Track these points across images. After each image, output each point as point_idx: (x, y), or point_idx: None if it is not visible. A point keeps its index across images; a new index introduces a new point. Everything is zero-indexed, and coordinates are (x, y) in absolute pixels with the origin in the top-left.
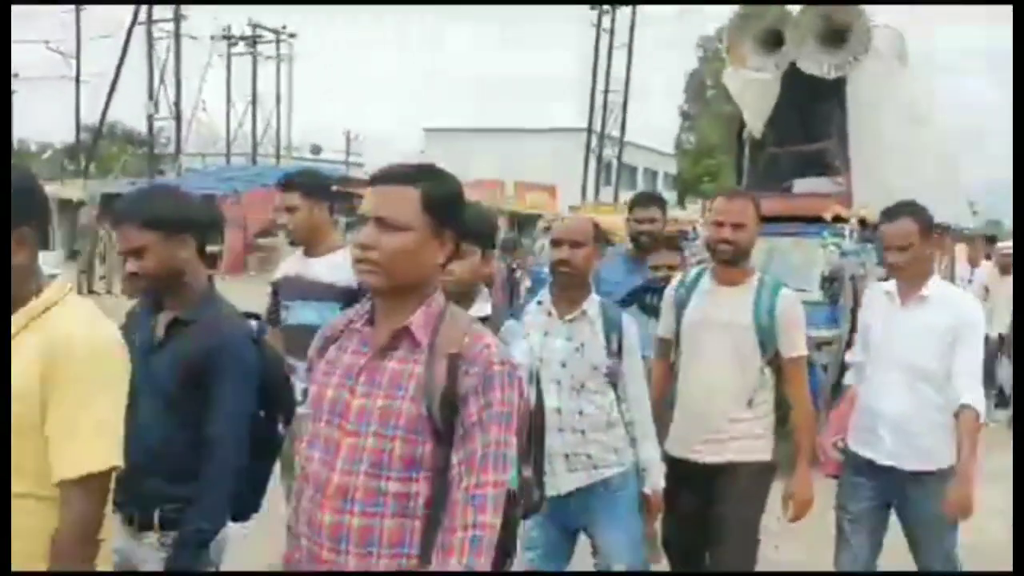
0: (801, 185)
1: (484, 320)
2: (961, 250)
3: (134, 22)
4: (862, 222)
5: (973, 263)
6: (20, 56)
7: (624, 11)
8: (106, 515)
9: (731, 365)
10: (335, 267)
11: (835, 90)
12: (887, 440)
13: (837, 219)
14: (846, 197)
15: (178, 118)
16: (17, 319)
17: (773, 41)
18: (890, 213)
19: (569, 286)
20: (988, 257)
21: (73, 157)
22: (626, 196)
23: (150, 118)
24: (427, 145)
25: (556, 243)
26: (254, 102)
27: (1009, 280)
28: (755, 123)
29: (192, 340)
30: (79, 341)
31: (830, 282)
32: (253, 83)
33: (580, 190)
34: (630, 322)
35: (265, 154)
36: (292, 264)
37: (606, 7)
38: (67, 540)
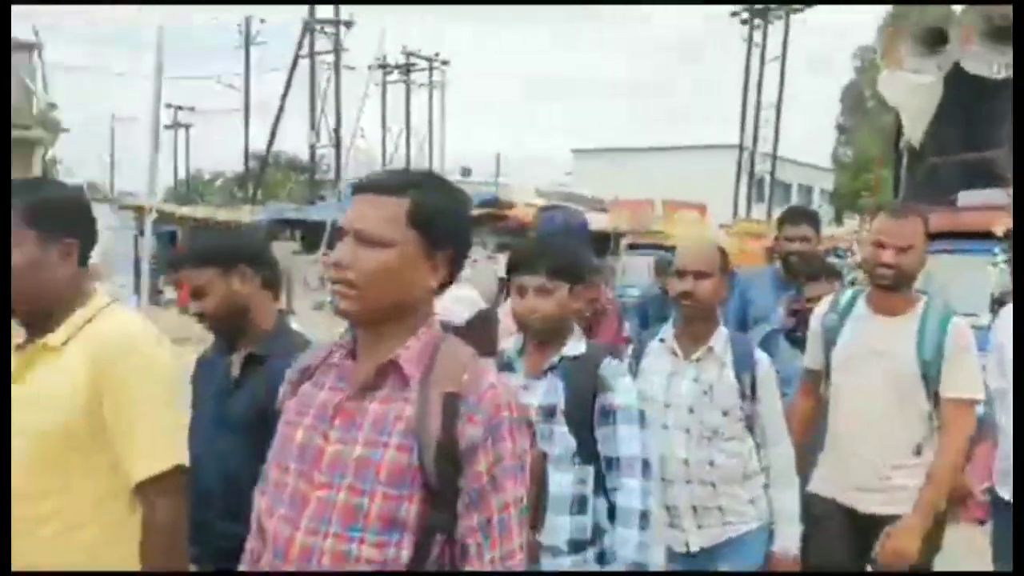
0: (967, 197)
1: (574, 360)
2: None
3: (297, 55)
4: None
5: None
6: (195, 91)
7: (775, 24)
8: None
9: (891, 404)
10: (454, 299)
11: (1003, 92)
12: None
13: (1009, 234)
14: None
15: (338, 145)
16: (60, 332)
17: (934, 40)
18: None
19: (694, 320)
20: None
21: (242, 185)
22: (779, 213)
23: (312, 146)
24: (575, 166)
25: (679, 273)
26: (408, 128)
27: None
28: (914, 130)
29: (267, 378)
30: (127, 344)
31: (1002, 304)
32: (407, 110)
33: (732, 208)
34: (764, 357)
35: None
36: None
37: (758, 21)
38: (155, 548)
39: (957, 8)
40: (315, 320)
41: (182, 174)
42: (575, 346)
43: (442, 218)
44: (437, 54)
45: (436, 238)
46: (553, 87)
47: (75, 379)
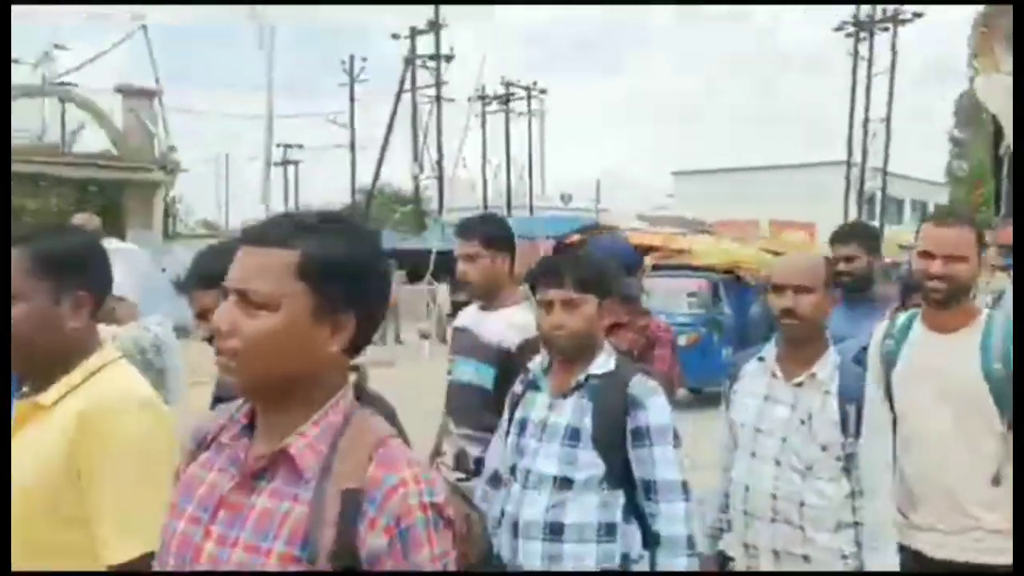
0: None
1: (602, 378)
2: None
3: (400, 90)
4: None
5: None
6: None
7: (881, 37)
8: None
9: (960, 432)
10: (508, 325)
11: None
12: None
13: None
14: None
15: (440, 176)
16: (53, 391)
17: None
18: None
19: (797, 341)
20: None
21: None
22: (891, 230)
23: (415, 178)
24: (676, 188)
25: (777, 288)
26: (508, 157)
27: None
28: (1002, 114)
29: None
30: (110, 413)
31: None
32: (506, 139)
33: None
34: (877, 392)
35: (520, 206)
36: (467, 316)
37: (863, 34)
38: None
39: None
40: (420, 346)
41: (292, 209)
42: (603, 363)
43: (341, 271)
44: (535, 83)
45: (334, 296)
46: (655, 108)
47: (59, 443)
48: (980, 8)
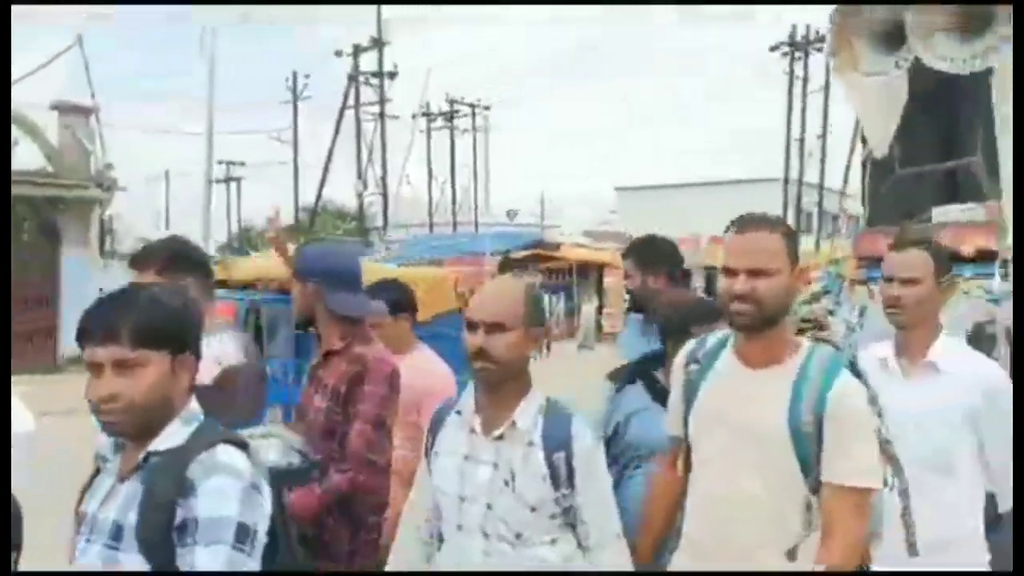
0: (941, 214)
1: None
2: None
3: (343, 106)
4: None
5: None
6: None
7: (816, 56)
8: None
9: (757, 491)
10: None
11: (974, 92)
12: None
13: (982, 255)
14: (994, 227)
15: (384, 194)
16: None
17: (891, 36)
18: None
19: (492, 386)
20: None
21: (292, 235)
22: (827, 245)
23: (359, 195)
24: (619, 204)
25: (471, 326)
26: (452, 174)
27: None
28: (877, 139)
29: None
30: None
31: (977, 338)
32: (451, 156)
33: None
34: (583, 431)
35: (465, 222)
36: None
37: (799, 53)
38: None
39: None
40: None
41: (235, 227)
42: (172, 435)
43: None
44: (479, 100)
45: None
46: (598, 128)
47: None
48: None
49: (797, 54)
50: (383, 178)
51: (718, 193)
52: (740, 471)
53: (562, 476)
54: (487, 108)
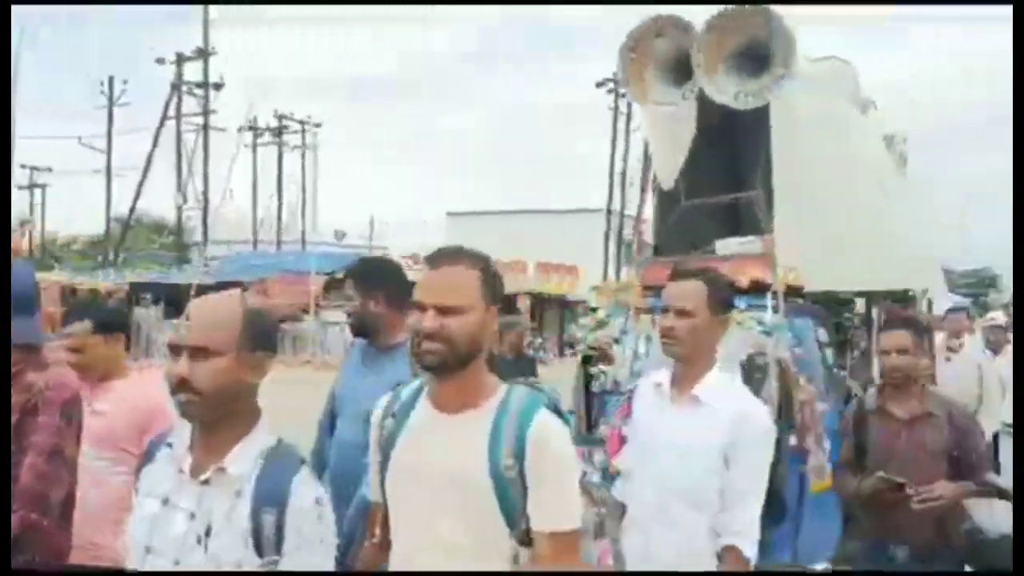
0: (724, 246)
1: None
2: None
3: (165, 116)
4: (792, 290)
5: (956, 335)
6: (55, 151)
7: None
8: None
9: (460, 537)
10: None
11: (759, 128)
12: None
13: (756, 287)
14: (769, 258)
15: (205, 208)
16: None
17: (679, 69)
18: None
19: (205, 425)
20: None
21: (101, 247)
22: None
23: (179, 208)
24: (449, 228)
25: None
26: (279, 190)
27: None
28: (665, 170)
29: None
30: None
31: (749, 369)
32: (279, 172)
33: (603, 270)
34: (306, 483)
35: (291, 241)
36: None
37: (624, 90)
38: None
39: (700, 28)
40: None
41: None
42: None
43: None
44: (309, 117)
45: None
46: (431, 151)
47: None
48: (633, 30)
49: (622, 90)
50: (204, 192)
51: (547, 221)
52: (441, 521)
53: (269, 540)
54: (318, 125)
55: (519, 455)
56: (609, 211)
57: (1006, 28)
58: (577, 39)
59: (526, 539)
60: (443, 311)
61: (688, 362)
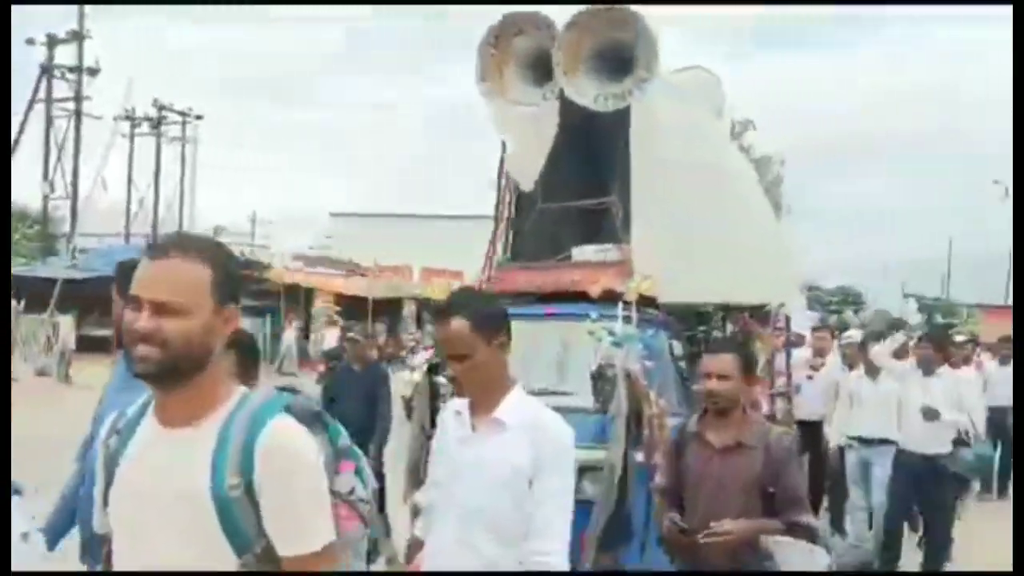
0: (578, 253)
1: None
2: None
3: (33, 99)
4: (645, 300)
5: (820, 354)
6: None
7: None
8: None
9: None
10: None
11: (620, 133)
12: None
13: (609, 296)
14: (625, 267)
15: (74, 198)
16: None
17: (540, 68)
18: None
19: None
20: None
21: None
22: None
23: (45, 197)
24: (334, 229)
25: None
26: (156, 183)
27: (855, 375)
28: (524, 172)
29: None
30: None
31: (598, 381)
32: (156, 164)
33: (487, 277)
34: None
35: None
36: None
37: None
38: None
39: (562, 27)
40: (38, 387)
41: None
42: None
43: None
44: (190, 109)
45: None
46: (317, 150)
47: None
48: (495, 25)
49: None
50: (73, 181)
51: (434, 226)
52: (165, 549)
53: None
54: (199, 118)
55: (246, 470)
56: (497, 217)
57: (885, 62)
58: (475, 39)
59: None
60: (160, 310)
61: (480, 392)
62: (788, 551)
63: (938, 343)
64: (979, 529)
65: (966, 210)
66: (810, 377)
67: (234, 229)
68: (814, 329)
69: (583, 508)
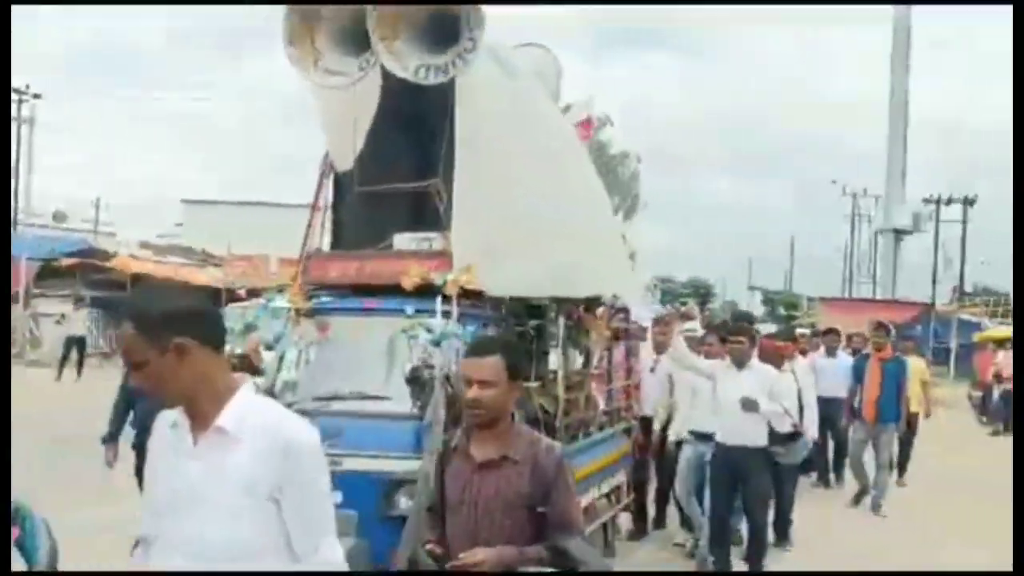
0: (400, 241)
1: None
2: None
3: None
4: (470, 294)
5: (660, 348)
6: None
7: None
8: None
9: None
10: None
11: (439, 107)
12: None
13: (426, 289)
14: (447, 257)
15: None
16: None
17: (356, 36)
18: None
19: None
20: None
21: None
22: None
23: None
24: (186, 217)
25: None
26: None
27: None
28: (340, 151)
29: None
30: None
31: (413, 384)
32: None
33: None
34: None
35: None
36: None
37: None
38: None
39: None
40: None
41: None
42: None
43: None
44: (27, 86)
45: None
46: (166, 135)
47: None
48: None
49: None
50: None
51: (293, 214)
52: None
53: None
54: (37, 96)
55: None
56: (315, 201)
57: (736, 64)
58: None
59: None
60: None
61: (193, 400)
62: None
63: (721, 336)
64: (816, 515)
65: (807, 209)
66: (652, 371)
67: (77, 215)
68: (654, 322)
69: (396, 525)
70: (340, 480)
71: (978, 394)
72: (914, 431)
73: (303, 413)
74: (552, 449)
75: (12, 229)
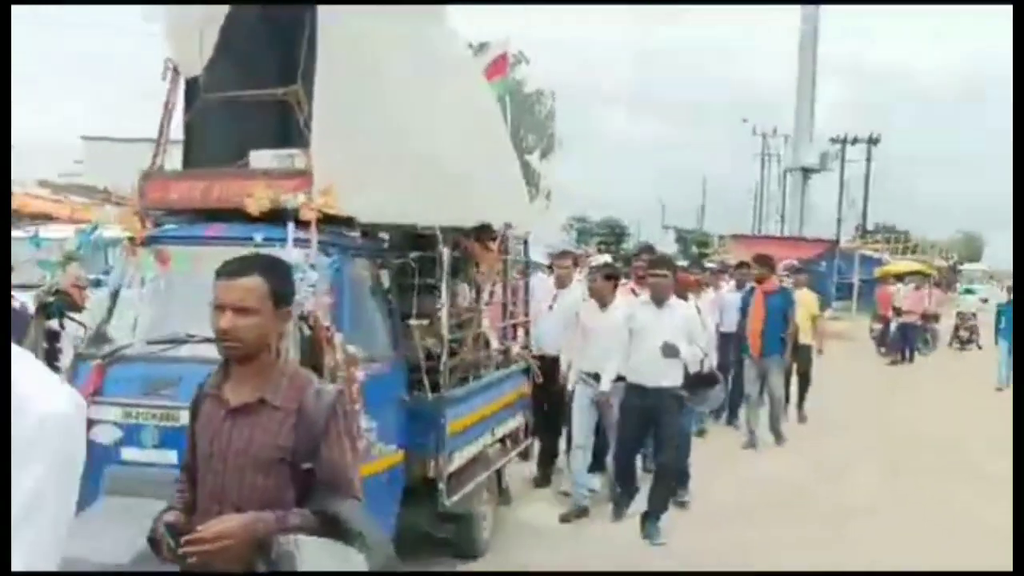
0: (258, 159)
1: None
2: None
3: None
4: (338, 220)
5: (561, 283)
6: None
7: None
8: None
9: None
10: None
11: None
12: None
13: (276, 214)
14: (309, 177)
15: None
16: None
17: None
18: None
19: None
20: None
21: None
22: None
23: None
24: (87, 154)
25: None
26: None
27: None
28: (187, 55)
29: None
30: None
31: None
32: None
33: None
34: None
35: None
36: None
37: None
38: None
39: None
40: None
41: None
42: None
43: None
44: None
45: None
46: (62, 68)
47: None
48: None
49: None
50: None
51: None
52: None
53: None
54: None
55: None
56: (164, 115)
57: (662, 8)
58: None
59: None
60: None
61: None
62: (316, 554)
63: (640, 273)
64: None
65: (719, 149)
66: (551, 308)
67: None
68: (555, 257)
69: None
70: (175, 436)
71: (878, 327)
72: (807, 364)
73: (134, 359)
74: (324, 394)
75: None
